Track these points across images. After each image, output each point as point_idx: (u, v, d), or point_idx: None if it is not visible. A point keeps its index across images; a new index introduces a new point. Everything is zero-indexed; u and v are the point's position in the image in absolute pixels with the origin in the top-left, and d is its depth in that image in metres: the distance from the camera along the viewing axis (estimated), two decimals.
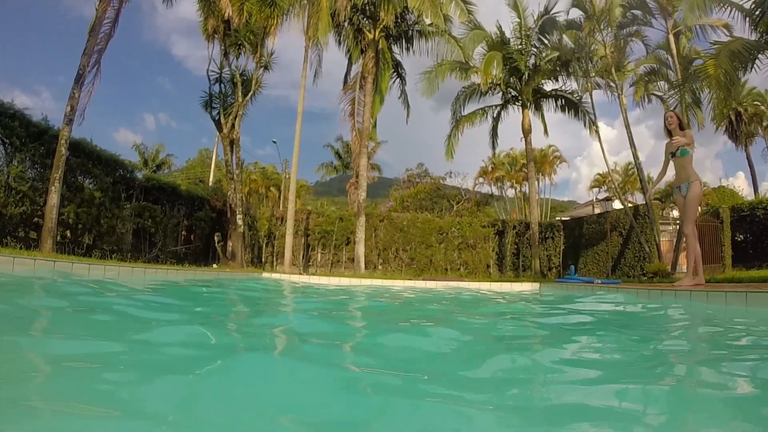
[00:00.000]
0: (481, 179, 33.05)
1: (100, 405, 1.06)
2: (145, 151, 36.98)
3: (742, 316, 3.41)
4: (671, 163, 5.86)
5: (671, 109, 6.53)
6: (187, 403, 1.14)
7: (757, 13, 9.95)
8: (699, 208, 5.96)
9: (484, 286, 9.73)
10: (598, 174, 38.19)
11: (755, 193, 29.06)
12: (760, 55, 9.93)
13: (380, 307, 5.01)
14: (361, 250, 14.00)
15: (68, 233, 9.85)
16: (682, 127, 5.73)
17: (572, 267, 13.88)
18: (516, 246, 17.23)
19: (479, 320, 3.77)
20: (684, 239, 13.95)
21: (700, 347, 2.48)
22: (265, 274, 10.02)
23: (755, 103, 29.20)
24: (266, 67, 15.33)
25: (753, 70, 10.17)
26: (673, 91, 13.72)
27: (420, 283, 9.59)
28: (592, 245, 16.08)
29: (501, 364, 1.85)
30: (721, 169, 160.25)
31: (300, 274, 11.55)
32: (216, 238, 14.27)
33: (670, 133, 5.74)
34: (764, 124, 29.73)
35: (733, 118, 29.40)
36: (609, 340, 2.71)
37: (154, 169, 36.18)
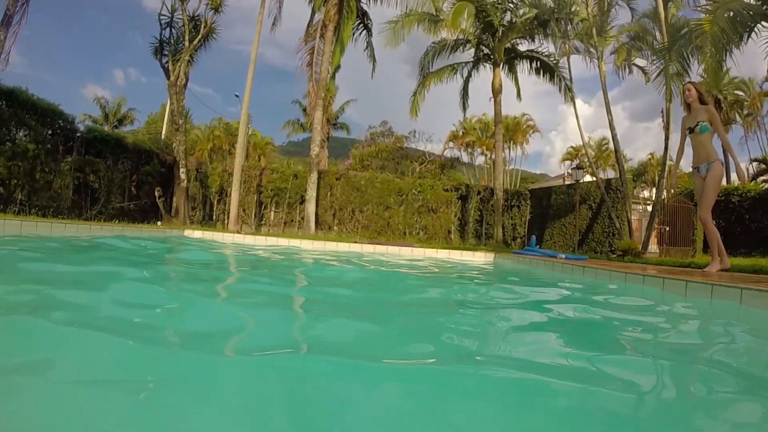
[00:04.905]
0: (451, 143, 32.05)
1: None
2: (106, 105, 35.02)
3: None
4: (688, 140, 5.15)
5: (689, 80, 6.17)
6: None
7: None
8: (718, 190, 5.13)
9: (430, 253, 9.03)
10: (571, 147, 37.59)
11: (728, 181, 28.95)
12: (758, 25, 9.05)
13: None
14: (311, 209, 13.05)
15: (1, 189, 9.14)
16: (702, 101, 4.96)
17: (533, 237, 13.20)
18: (480, 213, 16.47)
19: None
20: (654, 219, 13.46)
21: None
22: (188, 232, 9.06)
23: (735, 92, 29.02)
24: (217, 10, 14.38)
25: (749, 39, 9.32)
26: (657, 59, 12.75)
27: (355, 247, 8.83)
28: (560, 217, 15.44)
29: None
30: None
31: (237, 232, 10.69)
32: (156, 192, 13.30)
33: (688, 107, 5.07)
34: (744, 112, 29.33)
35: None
36: None
37: (115, 124, 34.46)
